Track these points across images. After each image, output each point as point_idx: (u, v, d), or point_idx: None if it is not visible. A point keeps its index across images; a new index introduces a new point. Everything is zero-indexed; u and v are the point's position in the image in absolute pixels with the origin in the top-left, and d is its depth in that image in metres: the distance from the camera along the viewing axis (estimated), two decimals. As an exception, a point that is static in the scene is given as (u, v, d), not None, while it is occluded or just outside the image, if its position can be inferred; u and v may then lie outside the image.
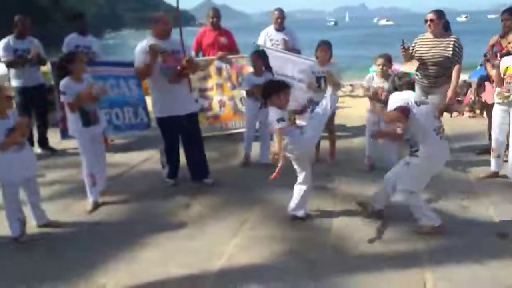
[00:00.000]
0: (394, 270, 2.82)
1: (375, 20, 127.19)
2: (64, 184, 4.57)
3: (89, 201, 3.92)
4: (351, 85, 14.51)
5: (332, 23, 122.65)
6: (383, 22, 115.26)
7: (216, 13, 6.04)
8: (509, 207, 3.66)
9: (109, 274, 2.89)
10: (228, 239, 3.28)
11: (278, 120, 3.26)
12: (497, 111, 4.19)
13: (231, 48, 6.01)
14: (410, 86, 3.34)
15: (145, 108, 5.91)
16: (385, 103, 4.47)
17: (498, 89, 4.12)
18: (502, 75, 4.06)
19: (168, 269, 2.93)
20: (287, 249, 3.13)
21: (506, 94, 4.03)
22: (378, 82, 4.48)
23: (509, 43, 3.99)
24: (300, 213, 3.52)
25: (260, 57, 4.81)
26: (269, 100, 3.36)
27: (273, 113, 3.30)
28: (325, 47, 4.64)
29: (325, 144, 4.94)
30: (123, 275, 2.88)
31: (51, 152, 5.68)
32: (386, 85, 4.38)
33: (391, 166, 4.43)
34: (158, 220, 3.66)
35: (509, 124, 4.11)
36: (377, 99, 4.44)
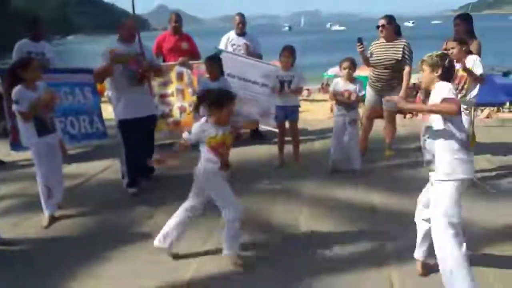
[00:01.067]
0: (362, 270, 2.86)
1: (328, 25, 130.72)
2: (16, 199, 4.30)
3: (45, 215, 3.70)
4: (307, 90, 14.76)
5: (287, 28, 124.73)
6: (336, 27, 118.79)
7: (178, 18, 5.97)
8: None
9: (71, 292, 2.74)
10: (197, 248, 3.20)
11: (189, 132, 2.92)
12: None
13: (193, 53, 5.94)
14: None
15: (100, 116, 5.70)
16: (351, 107, 4.58)
17: None
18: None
19: (140, 282, 2.82)
20: (258, 255, 3.10)
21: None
22: (344, 85, 4.56)
23: (449, 49, 4.11)
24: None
25: (214, 63, 4.76)
26: (209, 110, 2.89)
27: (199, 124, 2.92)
28: (288, 52, 4.69)
29: (288, 147, 4.97)
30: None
31: (0, 165, 5.34)
32: (351, 87, 4.49)
33: (355, 168, 4.57)
34: (122, 232, 3.52)
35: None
36: (346, 101, 4.52)
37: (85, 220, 3.79)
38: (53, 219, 3.71)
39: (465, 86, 4.20)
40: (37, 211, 3.78)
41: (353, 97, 4.47)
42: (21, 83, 3.48)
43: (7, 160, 5.44)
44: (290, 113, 4.83)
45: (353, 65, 4.54)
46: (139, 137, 4.21)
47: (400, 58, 4.71)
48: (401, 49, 4.70)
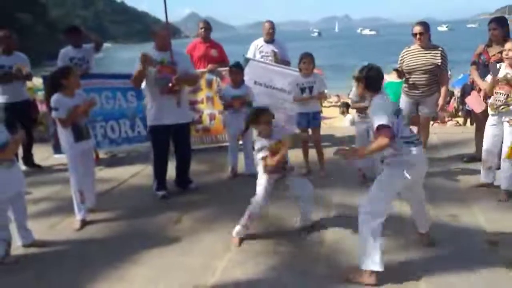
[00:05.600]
0: (389, 281, 2.80)
1: (358, 30, 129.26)
2: (50, 202, 4.48)
3: (77, 219, 3.84)
4: (337, 96, 14.61)
5: (316, 34, 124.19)
6: (366, 32, 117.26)
7: (207, 25, 6.07)
8: (497, 215, 3.70)
9: (100, 294, 2.82)
10: (221, 254, 3.24)
11: (258, 150, 3.29)
12: (490, 122, 4.16)
13: (222, 60, 6.02)
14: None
15: (143, 119, 5.83)
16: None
17: (490, 100, 4.12)
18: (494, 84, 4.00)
19: (167, 286, 2.88)
20: (281, 262, 3.10)
21: (496, 104, 4.01)
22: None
23: (507, 51, 3.91)
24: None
25: (236, 70, 4.84)
26: (252, 127, 3.47)
27: (257, 142, 3.35)
28: (308, 59, 4.69)
29: (313, 154, 4.94)
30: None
31: (37, 169, 5.57)
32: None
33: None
34: (148, 237, 3.60)
35: (501, 135, 4.06)
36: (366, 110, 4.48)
37: (116, 224, 3.90)
38: (85, 223, 3.84)
39: (510, 96, 3.91)
40: (70, 214, 3.93)
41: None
42: (60, 90, 3.63)
43: (44, 164, 5.67)
44: (312, 119, 4.81)
45: None
46: (167, 142, 4.35)
47: (439, 64, 4.61)
48: (439, 55, 4.60)
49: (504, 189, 4.00)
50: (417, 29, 4.68)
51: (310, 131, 4.89)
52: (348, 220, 3.68)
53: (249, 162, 4.90)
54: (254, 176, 4.64)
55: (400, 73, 4.97)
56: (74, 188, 3.79)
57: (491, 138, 4.15)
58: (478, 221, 3.60)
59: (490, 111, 4.13)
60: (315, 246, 3.32)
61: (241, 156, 5.00)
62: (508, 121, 3.95)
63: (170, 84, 4.12)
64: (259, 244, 3.36)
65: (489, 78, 4.15)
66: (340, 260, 3.10)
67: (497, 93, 4.00)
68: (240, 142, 5.01)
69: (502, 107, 3.97)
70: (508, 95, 3.91)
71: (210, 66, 5.78)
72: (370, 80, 2.85)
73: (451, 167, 4.90)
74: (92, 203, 4.02)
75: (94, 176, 4.08)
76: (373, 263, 2.72)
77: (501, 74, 3.98)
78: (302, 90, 4.73)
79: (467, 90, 5.59)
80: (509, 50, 3.90)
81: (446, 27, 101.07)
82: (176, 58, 4.19)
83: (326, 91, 5.13)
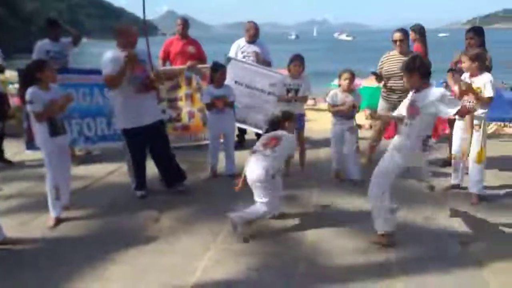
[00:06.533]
0: (365, 281, 2.86)
1: (335, 35, 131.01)
2: (22, 198, 4.34)
3: (51, 216, 3.73)
4: (313, 99, 14.76)
5: (293, 36, 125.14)
6: (343, 37, 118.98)
7: (185, 22, 6.05)
8: (469, 217, 3.82)
9: (76, 293, 2.75)
10: (201, 254, 3.21)
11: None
12: (458, 126, 4.34)
13: (199, 57, 6.00)
14: None
15: None
16: (349, 116, 4.63)
17: None
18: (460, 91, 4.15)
19: (145, 285, 2.83)
20: (261, 262, 3.10)
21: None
22: (342, 97, 4.60)
23: (458, 62, 4.15)
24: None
25: (219, 70, 4.80)
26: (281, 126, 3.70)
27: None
28: (298, 61, 4.72)
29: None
30: (91, 294, 2.75)
31: (8, 164, 5.39)
32: (350, 98, 4.54)
33: (353, 177, 4.57)
34: (126, 235, 3.53)
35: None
36: (344, 113, 4.57)
37: (91, 222, 3.81)
38: (59, 220, 3.74)
39: (473, 102, 4.04)
40: (43, 211, 3.82)
41: (346, 107, 4.55)
42: (36, 84, 3.53)
43: (15, 160, 5.49)
44: (296, 121, 4.84)
45: (352, 77, 4.60)
46: (145, 143, 4.20)
47: None
48: None
49: (475, 193, 4.13)
50: (397, 36, 4.81)
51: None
52: (327, 220, 3.74)
53: (230, 162, 4.90)
54: (234, 177, 4.68)
55: (378, 76, 5.07)
56: (49, 184, 3.68)
57: (459, 141, 4.31)
58: (452, 223, 3.71)
59: (457, 116, 4.26)
60: (295, 245, 3.35)
61: (221, 156, 4.97)
62: (475, 126, 4.10)
63: (150, 79, 4.00)
64: (239, 244, 3.35)
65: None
66: (320, 259, 3.14)
67: (464, 100, 4.14)
68: (221, 140, 4.98)
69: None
70: (470, 101, 4.05)
71: (189, 63, 5.74)
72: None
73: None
74: (67, 200, 3.92)
75: (70, 172, 3.98)
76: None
77: (475, 85, 4.09)
78: (288, 91, 4.77)
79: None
80: (463, 62, 4.11)
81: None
82: (142, 56, 4.05)
83: (309, 95, 5.18)
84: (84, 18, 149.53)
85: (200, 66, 5.83)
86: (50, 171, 3.67)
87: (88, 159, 5.64)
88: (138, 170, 4.25)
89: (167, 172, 4.39)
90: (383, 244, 3.26)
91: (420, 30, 5.60)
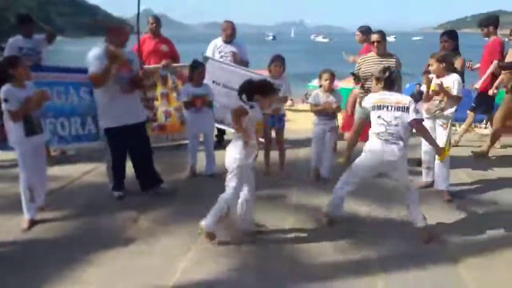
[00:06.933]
0: (346, 279, 2.89)
1: (312, 37, 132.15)
2: (-5, 200, 4.19)
3: (25, 218, 3.62)
4: (291, 100, 14.84)
5: (271, 37, 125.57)
6: (319, 39, 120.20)
7: (157, 20, 5.98)
8: (443, 214, 3.92)
9: (52, 297, 2.68)
10: (181, 254, 3.18)
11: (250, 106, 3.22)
12: (426, 125, 4.44)
13: (172, 56, 5.94)
14: None
15: (95, 118, 5.59)
16: (331, 116, 4.71)
17: (425, 105, 4.39)
18: (430, 92, 4.30)
19: (124, 287, 2.78)
20: (242, 262, 3.09)
21: (431, 110, 4.31)
22: (324, 97, 4.66)
23: (430, 65, 4.29)
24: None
25: (198, 69, 4.78)
26: (254, 99, 3.27)
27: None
28: (279, 61, 4.75)
29: (274, 155, 5.00)
30: (68, 297, 2.68)
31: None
32: (331, 98, 4.61)
33: (323, 176, 4.62)
34: (104, 237, 3.46)
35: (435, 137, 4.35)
36: (326, 113, 4.64)
37: (67, 223, 3.72)
38: (33, 222, 3.63)
39: (443, 101, 4.23)
40: (17, 213, 3.70)
41: (334, 106, 4.65)
42: (9, 81, 3.42)
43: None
44: (276, 121, 4.88)
45: (332, 77, 4.67)
46: (127, 143, 4.14)
47: None
48: (394, 63, 4.83)
49: (445, 190, 4.26)
50: (375, 37, 4.90)
51: (273, 132, 4.96)
52: (306, 219, 3.77)
53: (210, 162, 4.88)
54: (213, 177, 4.66)
55: (357, 77, 5.15)
56: (23, 186, 3.57)
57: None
58: (428, 220, 3.79)
59: (425, 115, 4.39)
60: (275, 245, 3.35)
61: (200, 156, 4.94)
62: (441, 125, 4.27)
63: (138, 78, 3.99)
64: (219, 245, 3.33)
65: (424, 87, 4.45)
66: (300, 259, 3.16)
67: (434, 99, 4.31)
68: (201, 139, 4.95)
69: (437, 111, 4.27)
70: (441, 100, 4.24)
71: (164, 61, 5.68)
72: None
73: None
74: (42, 201, 3.81)
75: (45, 173, 3.87)
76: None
77: (432, 84, 4.29)
78: None
79: (416, 98, 5.89)
80: (431, 65, 4.28)
81: (394, 37, 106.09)
82: (130, 56, 4.06)
83: (289, 96, 5.22)
84: (56, 16, 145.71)
85: (175, 65, 5.77)
86: (23, 172, 3.56)
87: (63, 159, 5.51)
88: (118, 170, 4.17)
89: (144, 175, 4.32)
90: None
91: (367, 32, 5.77)
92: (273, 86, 3.44)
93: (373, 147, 3.37)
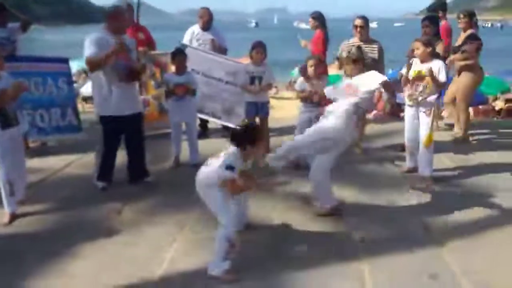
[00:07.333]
0: (333, 265, 2.91)
1: (295, 23, 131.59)
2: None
3: (6, 212, 3.53)
4: (275, 87, 14.80)
5: (253, 24, 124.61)
6: (303, 25, 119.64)
7: (130, 7, 5.82)
8: (426, 199, 3.98)
9: (36, 292, 2.63)
10: (167, 244, 3.15)
11: (227, 167, 2.68)
12: (409, 113, 4.45)
13: (149, 43, 5.82)
14: None
15: (74, 108, 5.47)
16: (317, 104, 4.67)
17: (407, 92, 4.38)
18: (411, 78, 4.30)
19: (104, 281, 2.74)
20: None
21: (414, 96, 4.30)
22: (310, 84, 4.63)
23: (416, 48, 4.25)
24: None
25: (180, 57, 4.69)
26: (248, 148, 2.75)
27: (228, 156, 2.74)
28: (259, 48, 4.69)
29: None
30: (52, 291, 2.63)
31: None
32: (317, 85, 4.57)
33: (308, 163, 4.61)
34: (88, 229, 3.40)
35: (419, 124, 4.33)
36: (312, 100, 4.61)
37: (49, 216, 3.65)
38: (14, 216, 3.55)
39: (427, 88, 4.21)
40: (-3, 207, 3.61)
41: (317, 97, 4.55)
42: None
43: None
44: (260, 108, 4.85)
45: (318, 62, 4.63)
46: (122, 133, 4.10)
47: (376, 57, 4.83)
48: (376, 49, 4.83)
49: (427, 175, 4.30)
50: (358, 22, 4.87)
51: (257, 119, 4.91)
52: (292, 206, 3.77)
53: (194, 152, 4.82)
54: (198, 166, 4.59)
55: (340, 62, 5.08)
56: (2, 179, 3.47)
57: (411, 126, 4.44)
58: (412, 205, 3.85)
59: (408, 102, 4.41)
60: (262, 232, 3.35)
61: (184, 146, 4.88)
62: (424, 112, 4.27)
63: (135, 70, 3.93)
64: (206, 233, 3.29)
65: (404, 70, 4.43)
66: (288, 245, 3.17)
67: (417, 85, 4.28)
68: (183, 128, 4.89)
69: (420, 98, 4.27)
70: (426, 86, 4.21)
71: (141, 49, 5.56)
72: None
73: (386, 155, 5.17)
74: (22, 195, 3.72)
75: (24, 166, 3.77)
76: None
77: (417, 69, 4.26)
78: (252, 79, 4.73)
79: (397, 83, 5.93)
80: (417, 48, 4.23)
81: (376, 24, 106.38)
82: (129, 44, 3.97)
83: (273, 82, 5.18)
84: (34, 5, 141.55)
85: (153, 52, 5.66)
86: (2, 166, 3.44)
87: (43, 151, 5.38)
88: (107, 160, 4.11)
89: (134, 166, 4.28)
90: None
91: (320, 18, 5.74)
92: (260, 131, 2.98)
93: None
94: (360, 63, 3.70)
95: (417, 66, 4.29)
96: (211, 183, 2.75)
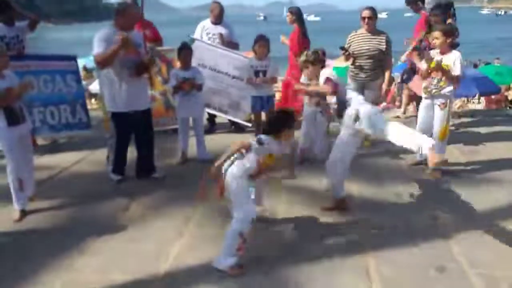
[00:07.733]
0: (339, 258, 2.91)
1: (303, 16, 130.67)
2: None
3: (16, 209, 3.59)
4: (282, 81, 14.74)
5: (262, 18, 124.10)
6: (311, 17, 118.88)
7: (135, 3, 5.82)
8: (434, 191, 3.95)
9: (45, 286, 2.68)
10: (173, 240, 3.18)
11: (259, 141, 2.76)
12: (423, 105, 4.39)
13: (155, 39, 5.82)
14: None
15: (84, 105, 5.52)
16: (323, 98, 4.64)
17: (424, 84, 4.33)
18: (429, 70, 4.20)
19: (111, 276, 2.78)
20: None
21: (430, 88, 4.24)
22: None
23: (433, 39, 4.20)
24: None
25: (186, 52, 4.70)
26: (278, 133, 2.84)
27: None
28: (263, 41, 4.68)
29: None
30: (60, 285, 2.68)
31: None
32: (320, 81, 4.53)
33: (316, 154, 4.56)
34: (95, 225, 3.44)
35: (433, 116, 4.29)
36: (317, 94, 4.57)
37: (59, 213, 3.70)
38: (24, 213, 3.60)
39: (442, 80, 4.13)
40: (6, 204, 3.67)
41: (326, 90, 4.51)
42: None
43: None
44: (266, 102, 4.84)
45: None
46: (133, 129, 4.15)
47: (384, 49, 4.78)
48: (384, 41, 4.78)
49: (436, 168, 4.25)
50: (366, 13, 4.79)
51: (263, 114, 4.91)
52: (295, 201, 3.77)
53: (201, 147, 4.83)
54: (206, 162, 4.61)
55: (346, 51, 4.96)
56: (12, 176, 3.52)
57: (424, 119, 4.37)
58: (419, 198, 3.82)
59: (423, 94, 4.35)
60: (266, 227, 3.35)
61: (192, 141, 4.89)
62: (439, 105, 4.20)
63: (143, 65, 3.96)
64: (211, 229, 3.33)
65: (423, 63, 4.32)
66: (291, 239, 3.17)
67: (432, 77, 4.21)
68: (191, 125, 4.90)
69: (434, 90, 4.20)
70: (441, 79, 4.14)
71: (148, 45, 5.56)
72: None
73: (393, 148, 5.10)
74: (31, 192, 3.78)
75: (33, 163, 3.82)
76: None
77: (434, 60, 4.13)
78: (256, 73, 4.73)
79: (408, 74, 5.84)
80: (435, 38, 4.11)
81: (386, 14, 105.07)
82: (138, 39, 4.02)
83: (278, 76, 5.17)
84: (41, 3, 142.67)
85: (159, 48, 5.67)
86: (11, 163, 3.50)
87: (53, 148, 5.45)
88: (119, 154, 4.18)
89: (143, 162, 4.33)
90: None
91: (297, 12, 5.68)
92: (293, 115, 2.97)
93: None
94: (318, 65, 3.72)
95: (436, 57, 4.16)
96: (236, 174, 2.77)
